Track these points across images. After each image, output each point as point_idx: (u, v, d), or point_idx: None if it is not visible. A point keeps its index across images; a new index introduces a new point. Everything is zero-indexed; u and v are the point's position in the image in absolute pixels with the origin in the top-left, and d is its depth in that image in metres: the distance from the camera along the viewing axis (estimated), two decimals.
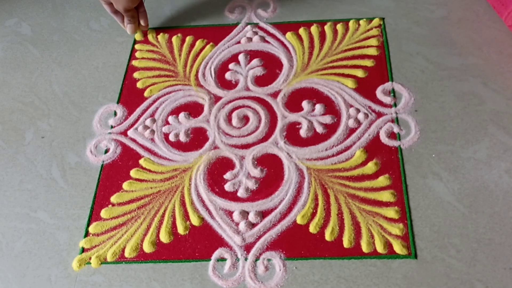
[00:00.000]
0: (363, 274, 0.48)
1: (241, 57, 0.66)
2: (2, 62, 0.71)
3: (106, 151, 0.60)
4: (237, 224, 0.52)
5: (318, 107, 0.60)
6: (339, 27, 0.67)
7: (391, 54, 0.64)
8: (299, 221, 0.51)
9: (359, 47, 0.65)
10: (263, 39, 0.68)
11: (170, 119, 0.62)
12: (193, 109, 0.62)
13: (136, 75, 0.66)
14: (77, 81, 0.67)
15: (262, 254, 0.50)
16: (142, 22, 0.70)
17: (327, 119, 0.59)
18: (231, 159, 0.57)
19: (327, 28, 0.67)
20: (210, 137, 0.59)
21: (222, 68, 0.66)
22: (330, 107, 0.60)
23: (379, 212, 0.51)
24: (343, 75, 0.62)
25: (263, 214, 0.52)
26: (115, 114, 0.63)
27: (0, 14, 0.78)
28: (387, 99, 0.59)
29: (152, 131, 0.61)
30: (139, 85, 0.65)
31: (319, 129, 0.58)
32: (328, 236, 0.50)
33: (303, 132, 0.58)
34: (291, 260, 0.49)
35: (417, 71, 0.62)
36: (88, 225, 0.54)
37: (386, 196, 0.52)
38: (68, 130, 0.62)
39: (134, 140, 0.60)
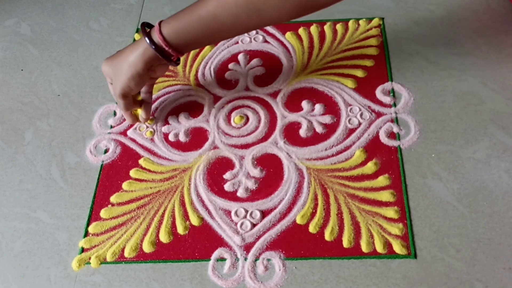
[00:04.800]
0: (362, 274, 0.47)
1: (240, 57, 0.66)
2: (1, 62, 0.71)
3: (106, 151, 0.60)
4: (236, 224, 0.52)
5: (318, 107, 0.60)
6: (338, 27, 0.67)
7: (391, 54, 0.64)
8: (298, 221, 0.51)
9: (358, 47, 0.65)
10: (262, 39, 0.68)
11: (170, 119, 0.62)
12: (193, 109, 0.62)
13: None
14: (77, 81, 0.67)
15: (262, 254, 0.50)
16: (142, 114, 0.59)
17: (327, 119, 0.59)
18: (230, 159, 0.57)
19: (326, 28, 0.67)
20: (210, 137, 0.59)
21: (221, 68, 0.66)
22: (330, 107, 0.60)
23: (378, 212, 0.51)
24: (342, 75, 0.62)
25: (263, 214, 0.52)
26: (115, 114, 0.63)
27: (0, 14, 0.78)
28: (387, 99, 0.59)
29: (152, 131, 0.61)
30: None
31: (319, 129, 0.58)
32: (327, 236, 0.50)
33: (302, 132, 0.58)
34: (291, 260, 0.49)
35: (417, 71, 0.62)
36: (88, 225, 0.54)
37: (385, 196, 0.52)
38: (68, 130, 0.62)
39: (133, 140, 0.60)
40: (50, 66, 0.70)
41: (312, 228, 0.51)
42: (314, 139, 0.57)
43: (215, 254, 0.50)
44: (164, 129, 0.61)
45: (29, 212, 0.56)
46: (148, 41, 0.49)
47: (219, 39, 0.50)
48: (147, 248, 0.51)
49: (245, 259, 0.50)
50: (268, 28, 0.69)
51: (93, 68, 0.68)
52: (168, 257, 0.51)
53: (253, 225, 0.52)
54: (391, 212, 0.51)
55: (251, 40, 0.68)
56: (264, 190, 0.54)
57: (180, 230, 0.52)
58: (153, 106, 0.63)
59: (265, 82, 0.64)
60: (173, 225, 0.53)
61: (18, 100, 0.66)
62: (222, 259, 0.50)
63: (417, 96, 0.59)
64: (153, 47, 0.49)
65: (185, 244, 0.51)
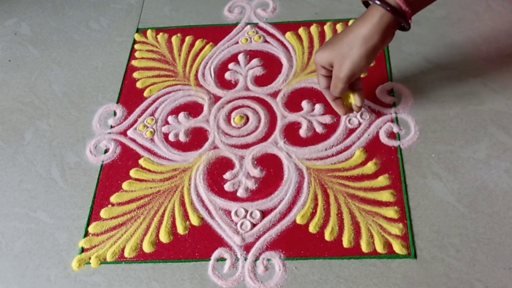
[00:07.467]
0: (362, 274, 0.48)
1: (240, 57, 0.66)
2: (1, 62, 0.71)
3: (106, 151, 0.60)
4: (236, 224, 0.52)
5: (318, 107, 0.60)
6: (338, 27, 0.67)
7: (391, 54, 0.64)
8: (298, 221, 0.51)
9: None
10: (263, 39, 0.68)
11: (170, 119, 0.62)
12: (193, 109, 0.62)
13: (135, 75, 0.66)
14: (77, 81, 0.67)
15: (262, 254, 0.50)
16: (356, 102, 0.53)
17: (327, 119, 0.59)
18: (230, 159, 0.57)
19: (326, 28, 0.67)
20: (210, 137, 0.59)
21: (221, 68, 0.66)
22: (330, 107, 0.60)
23: (378, 212, 0.51)
24: None
25: (263, 214, 0.52)
26: (115, 114, 0.63)
27: (0, 14, 0.78)
28: (387, 99, 0.59)
29: (152, 131, 0.61)
30: (138, 85, 0.65)
31: (319, 129, 0.58)
32: (327, 236, 0.50)
33: (302, 132, 0.58)
34: (291, 260, 0.49)
35: (417, 71, 0.62)
36: (88, 225, 0.54)
37: (385, 196, 0.52)
38: (68, 130, 0.62)
39: (133, 140, 0.60)
40: (50, 66, 0.70)
41: (312, 228, 0.51)
42: (314, 139, 0.57)
43: (215, 254, 0.50)
44: (164, 129, 0.61)
45: (29, 212, 0.56)
46: (381, 4, 0.44)
47: None
48: (147, 248, 0.51)
49: (245, 259, 0.50)
50: (268, 28, 0.69)
51: (93, 68, 0.68)
52: (168, 257, 0.51)
53: (253, 225, 0.52)
54: (391, 212, 0.51)
55: (251, 40, 0.68)
56: (264, 190, 0.54)
57: (180, 230, 0.52)
58: (153, 106, 0.63)
59: (265, 82, 0.64)
60: (173, 225, 0.53)
61: (18, 100, 0.66)
62: (222, 259, 0.50)
63: (417, 96, 0.59)
64: (388, 9, 0.44)
65: (185, 244, 0.51)
